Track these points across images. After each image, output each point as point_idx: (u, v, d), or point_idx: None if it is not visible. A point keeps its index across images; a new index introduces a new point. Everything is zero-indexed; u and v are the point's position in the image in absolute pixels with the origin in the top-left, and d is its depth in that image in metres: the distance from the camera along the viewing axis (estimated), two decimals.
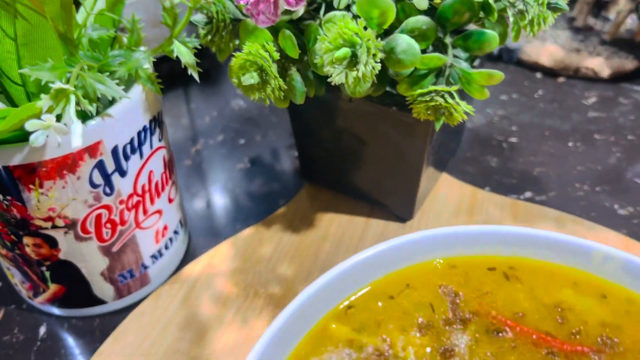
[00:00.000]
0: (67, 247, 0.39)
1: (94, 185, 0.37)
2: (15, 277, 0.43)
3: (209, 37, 0.39)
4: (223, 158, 0.60)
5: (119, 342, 0.42)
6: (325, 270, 0.44)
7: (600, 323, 0.28)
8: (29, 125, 0.28)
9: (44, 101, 0.29)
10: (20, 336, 0.44)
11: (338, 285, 0.28)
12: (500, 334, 0.28)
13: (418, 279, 0.30)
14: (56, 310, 0.45)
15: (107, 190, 0.38)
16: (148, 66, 0.38)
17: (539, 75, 0.71)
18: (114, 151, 0.37)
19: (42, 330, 0.44)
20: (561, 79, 0.71)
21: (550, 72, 0.71)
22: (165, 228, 0.45)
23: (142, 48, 0.38)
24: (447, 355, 0.27)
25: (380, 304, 0.29)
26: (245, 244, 0.49)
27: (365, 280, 0.29)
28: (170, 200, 0.45)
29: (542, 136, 0.62)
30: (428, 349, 0.27)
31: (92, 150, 0.36)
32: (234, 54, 0.37)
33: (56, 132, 0.29)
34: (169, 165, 0.44)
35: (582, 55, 0.70)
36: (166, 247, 0.46)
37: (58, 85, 0.29)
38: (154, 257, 0.45)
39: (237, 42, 0.40)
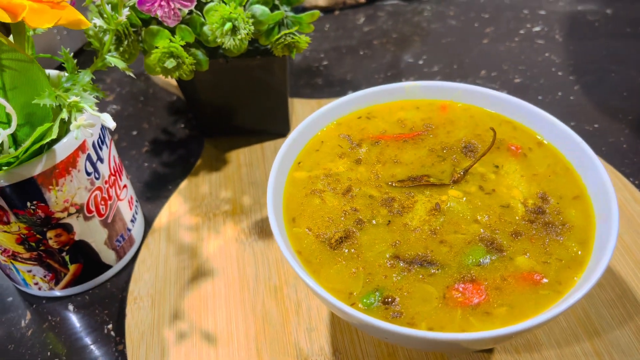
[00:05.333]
0: (80, 229, 0.53)
1: (88, 173, 0.52)
2: (36, 276, 0.55)
3: (121, 48, 0.55)
4: (128, 149, 0.74)
5: (139, 282, 0.57)
6: (252, 184, 0.64)
7: (421, 120, 0.53)
8: (73, 126, 0.43)
9: (64, 113, 0.44)
10: (56, 318, 0.56)
11: (286, 156, 0.48)
12: (377, 143, 0.51)
13: (325, 136, 0.52)
14: (74, 290, 0.58)
15: (97, 175, 0.53)
16: (90, 81, 0.52)
17: (321, 14, 0.96)
18: (93, 145, 0.52)
19: (71, 307, 0.57)
20: (337, 12, 0.96)
21: (328, 10, 0.96)
22: (131, 198, 0.60)
23: (80, 70, 0.53)
24: (359, 162, 0.49)
25: (313, 155, 0.50)
26: (186, 192, 0.66)
27: (298, 148, 0.50)
28: (127, 177, 0.60)
29: (342, 54, 0.87)
30: (348, 163, 0.49)
31: (82, 147, 0.50)
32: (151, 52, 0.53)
33: (86, 127, 0.44)
34: (117, 152, 0.59)
35: None
36: (136, 212, 0.61)
37: (72, 99, 0.44)
38: (132, 221, 0.60)
39: (140, 46, 0.56)
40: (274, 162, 0.47)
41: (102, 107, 0.81)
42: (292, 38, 0.57)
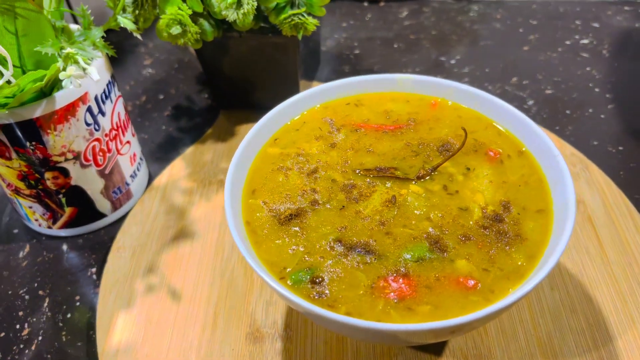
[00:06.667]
0: (76, 175, 0.57)
1: (87, 124, 0.55)
2: (36, 213, 0.60)
3: (137, 11, 0.58)
4: (151, 111, 0.78)
5: (126, 234, 0.61)
6: None
7: (407, 113, 0.52)
8: (62, 75, 0.46)
9: (60, 62, 0.47)
10: (50, 255, 0.61)
11: (266, 128, 0.50)
12: (357, 131, 0.51)
13: (308, 117, 0.52)
14: (71, 232, 0.62)
15: (96, 127, 0.56)
16: (101, 38, 0.56)
17: (366, 4, 0.96)
18: (96, 98, 0.55)
19: (65, 247, 0.62)
20: (382, 3, 0.96)
21: (373, 0, 0.96)
22: (134, 155, 0.64)
23: (94, 26, 0.56)
24: (333, 146, 0.49)
25: (292, 134, 0.51)
26: (191, 157, 0.69)
27: (279, 124, 0.51)
28: (133, 135, 0.63)
29: (376, 45, 0.87)
30: (322, 146, 0.50)
31: (83, 98, 0.54)
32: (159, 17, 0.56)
33: (76, 78, 0.47)
34: (126, 110, 0.62)
35: None
36: (138, 169, 0.65)
37: (68, 50, 0.47)
38: (132, 176, 0.63)
39: (156, 11, 0.59)
40: (247, 135, 0.48)
41: (138, 69, 0.86)
42: (300, 19, 0.58)
